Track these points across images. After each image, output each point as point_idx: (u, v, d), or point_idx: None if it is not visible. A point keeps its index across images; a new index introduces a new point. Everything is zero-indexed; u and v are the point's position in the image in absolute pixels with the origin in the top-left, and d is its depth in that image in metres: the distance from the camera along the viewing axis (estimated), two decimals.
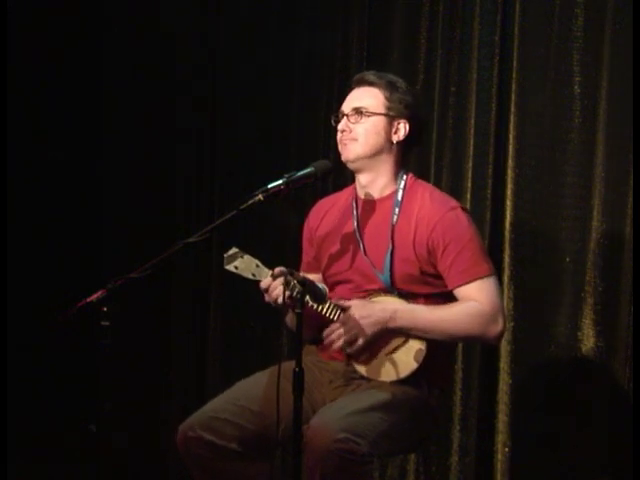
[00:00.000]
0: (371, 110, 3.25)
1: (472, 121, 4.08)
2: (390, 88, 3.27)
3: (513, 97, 4.00)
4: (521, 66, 3.99)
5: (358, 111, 3.25)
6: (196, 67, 4.83)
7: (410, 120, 3.28)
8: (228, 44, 4.75)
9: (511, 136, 4.01)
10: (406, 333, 3.14)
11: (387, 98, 3.26)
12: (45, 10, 4.68)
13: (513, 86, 4.00)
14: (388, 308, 3.14)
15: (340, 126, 3.28)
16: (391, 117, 3.26)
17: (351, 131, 3.25)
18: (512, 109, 4.01)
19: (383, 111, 3.25)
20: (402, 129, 3.27)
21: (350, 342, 3.13)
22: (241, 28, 4.72)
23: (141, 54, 4.86)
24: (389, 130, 3.26)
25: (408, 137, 3.29)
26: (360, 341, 3.12)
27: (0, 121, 4.58)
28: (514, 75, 4.00)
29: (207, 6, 4.80)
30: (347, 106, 3.29)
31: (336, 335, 3.14)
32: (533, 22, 3.97)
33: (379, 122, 3.25)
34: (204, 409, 3.22)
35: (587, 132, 3.88)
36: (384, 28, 4.35)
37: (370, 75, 3.30)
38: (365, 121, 3.25)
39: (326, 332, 3.17)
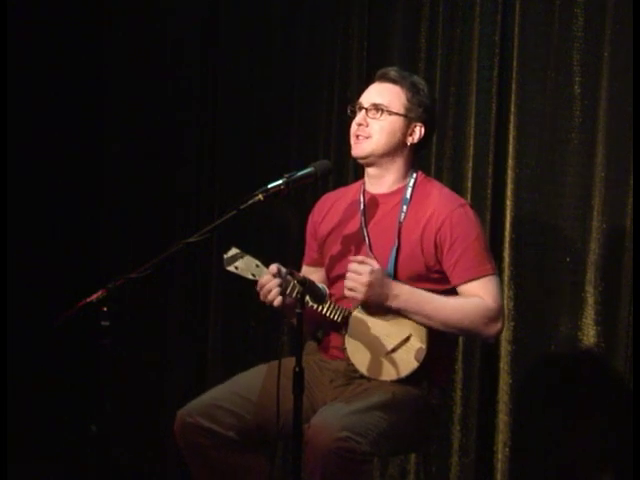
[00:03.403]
0: (391, 109, 3.25)
1: (472, 121, 4.08)
2: (413, 89, 3.27)
3: (513, 97, 4.00)
4: (521, 66, 3.99)
5: (378, 107, 3.25)
6: (196, 67, 4.82)
7: (426, 124, 3.28)
8: (228, 44, 4.75)
9: (511, 136, 4.01)
10: (406, 315, 3.14)
11: (408, 99, 3.26)
12: (46, 10, 4.68)
13: (513, 86, 4.00)
14: (395, 287, 3.13)
15: (357, 119, 3.28)
16: (409, 119, 3.26)
17: (367, 125, 3.25)
18: (512, 109, 4.01)
19: (402, 112, 3.25)
20: (417, 132, 3.28)
21: (349, 290, 3.13)
22: (241, 28, 4.72)
23: (142, 54, 4.86)
24: (405, 132, 3.26)
25: (421, 140, 3.29)
26: (355, 296, 3.12)
27: (0, 121, 4.58)
28: (514, 75, 4.00)
29: (208, 5, 4.80)
30: (367, 99, 3.28)
31: (351, 283, 3.12)
32: (533, 22, 3.97)
33: (396, 122, 3.25)
34: (203, 397, 3.23)
35: (587, 132, 3.88)
36: (384, 28, 4.34)
37: (394, 72, 3.29)
38: (383, 119, 3.25)
39: (353, 267, 3.13)
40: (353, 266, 3.13)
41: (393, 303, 3.13)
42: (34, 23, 4.68)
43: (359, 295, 3.11)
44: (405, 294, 3.14)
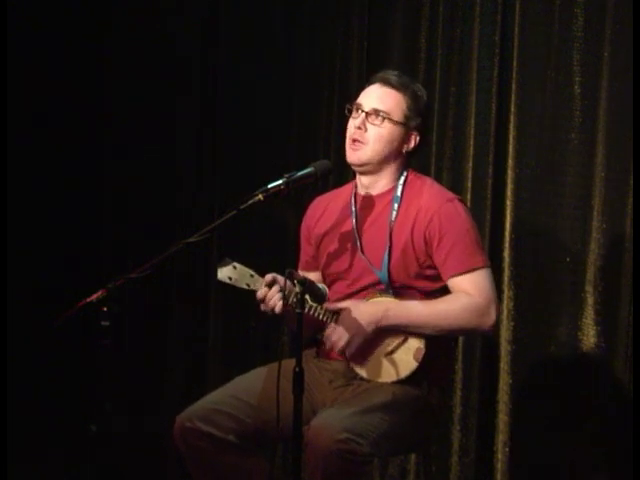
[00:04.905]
0: (392, 117, 3.22)
1: (472, 121, 4.09)
2: (413, 98, 3.25)
3: (513, 97, 4.01)
4: (521, 66, 3.99)
5: (379, 114, 3.23)
6: (196, 67, 4.83)
7: (421, 132, 3.28)
8: (228, 44, 4.75)
9: (511, 136, 4.01)
10: (400, 330, 3.14)
11: (409, 108, 3.24)
12: (46, 9, 4.68)
13: (513, 86, 4.01)
14: (380, 308, 3.14)
15: (357, 122, 3.24)
16: (407, 127, 3.25)
17: (366, 130, 3.23)
18: (512, 109, 4.01)
19: (402, 120, 3.23)
20: (413, 141, 3.27)
21: (346, 345, 3.13)
22: (242, 28, 4.72)
23: (142, 54, 4.86)
24: (402, 140, 3.25)
25: (415, 147, 3.29)
26: (355, 343, 3.13)
27: (0, 120, 4.58)
28: (514, 75, 4.00)
29: (208, 5, 4.80)
30: (368, 103, 3.25)
31: (335, 337, 3.14)
32: (533, 22, 3.98)
33: (395, 131, 3.24)
34: (202, 401, 3.22)
35: (587, 132, 3.88)
36: (384, 28, 4.35)
37: (397, 78, 3.26)
38: (383, 126, 3.22)
39: (324, 337, 3.17)
40: (327, 332, 3.15)
41: (384, 322, 3.13)
42: (34, 22, 4.68)
43: (356, 341, 3.12)
44: (392, 310, 3.14)
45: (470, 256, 3.17)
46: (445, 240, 3.17)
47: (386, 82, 3.26)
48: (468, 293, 3.15)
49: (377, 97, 3.26)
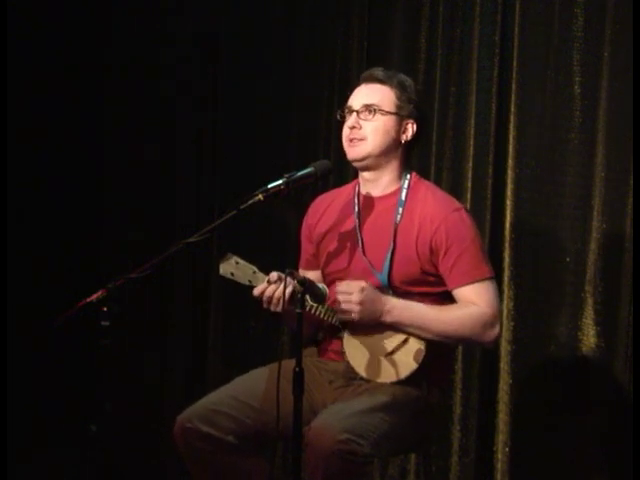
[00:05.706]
0: (383, 108, 3.23)
1: (472, 121, 4.09)
2: (400, 87, 3.25)
3: (513, 97, 4.01)
4: (521, 66, 3.99)
5: (369, 108, 3.23)
6: (196, 67, 4.83)
7: (417, 120, 3.27)
8: (228, 44, 4.75)
9: (511, 136, 4.02)
10: (401, 329, 3.14)
11: (398, 97, 3.25)
12: (46, 9, 4.68)
13: (513, 86, 4.01)
14: (387, 302, 3.13)
15: (350, 122, 3.25)
16: (401, 117, 3.25)
17: (361, 128, 3.23)
18: (512, 109, 4.01)
19: (394, 110, 3.24)
20: (410, 129, 3.27)
21: (342, 312, 3.12)
22: (241, 28, 4.73)
23: (141, 54, 4.86)
24: (398, 130, 3.25)
25: (414, 137, 3.29)
26: (350, 316, 3.11)
27: (1, 120, 4.58)
28: (514, 75, 4.00)
29: (208, 5, 4.80)
30: (357, 102, 3.26)
31: (344, 296, 3.10)
32: (533, 22, 3.98)
33: (389, 121, 3.24)
34: (202, 402, 3.22)
35: (587, 132, 3.89)
36: (384, 28, 4.35)
37: (380, 72, 3.27)
38: (376, 119, 3.23)
39: (337, 286, 3.14)
40: (342, 287, 3.12)
41: (387, 318, 3.12)
42: (34, 22, 4.68)
43: (355, 315, 3.10)
44: (398, 308, 3.13)
45: (476, 267, 3.17)
46: (451, 250, 3.16)
47: (370, 79, 3.28)
48: (475, 304, 3.15)
49: (365, 94, 3.27)
